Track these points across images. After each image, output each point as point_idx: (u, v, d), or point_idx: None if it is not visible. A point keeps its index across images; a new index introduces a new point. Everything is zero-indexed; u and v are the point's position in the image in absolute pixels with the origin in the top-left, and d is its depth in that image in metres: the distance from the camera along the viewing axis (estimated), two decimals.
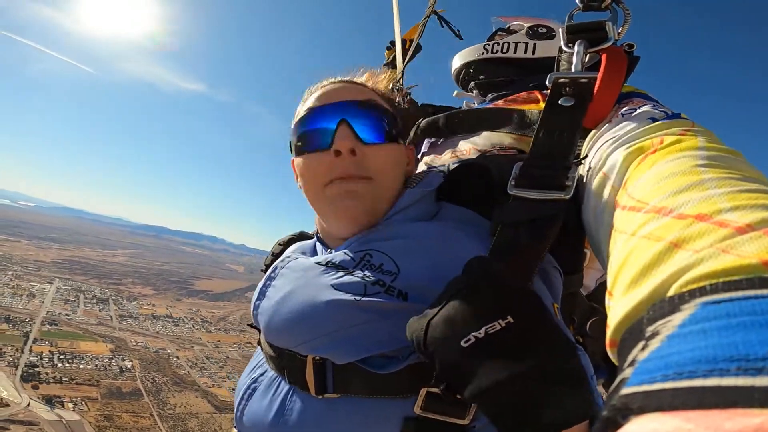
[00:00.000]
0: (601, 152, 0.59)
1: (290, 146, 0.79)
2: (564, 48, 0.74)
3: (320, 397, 0.62)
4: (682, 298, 0.28)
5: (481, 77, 1.15)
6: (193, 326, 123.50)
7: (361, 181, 0.71)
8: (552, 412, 0.41)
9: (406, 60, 1.41)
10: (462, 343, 0.44)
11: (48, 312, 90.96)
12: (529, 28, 1.11)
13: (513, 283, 0.49)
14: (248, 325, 0.83)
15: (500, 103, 0.98)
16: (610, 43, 0.71)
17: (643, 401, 0.22)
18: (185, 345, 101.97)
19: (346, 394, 0.61)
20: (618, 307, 0.34)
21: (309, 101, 0.76)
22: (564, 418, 0.41)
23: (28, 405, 51.97)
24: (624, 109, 0.63)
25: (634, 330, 0.30)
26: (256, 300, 0.75)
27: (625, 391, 0.24)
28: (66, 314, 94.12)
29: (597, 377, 0.94)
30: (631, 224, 0.40)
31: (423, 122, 1.03)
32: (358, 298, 0.60)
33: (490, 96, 1.12)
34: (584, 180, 0.62)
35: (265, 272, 0.84)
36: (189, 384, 77.44)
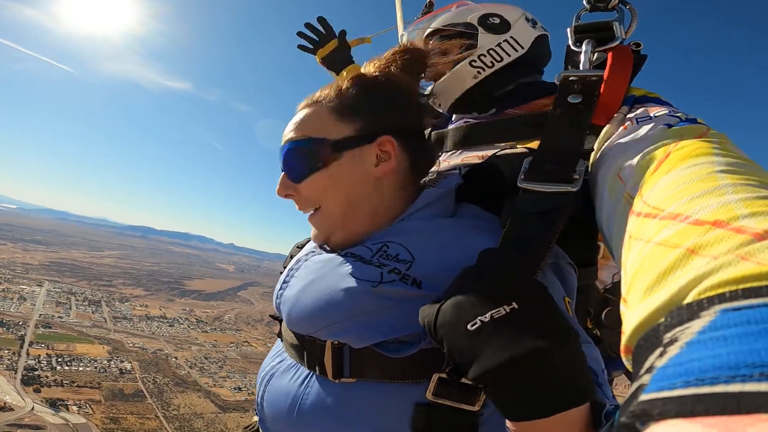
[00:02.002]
0: (615, 158, 0.59)
1: None
2: (572, 47, 0.76)
3: (337, 381, 0.64)
4: (701, 305, 0.28)
5: (491, 94, 1.04)
6: (189, 326, 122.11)
7: (311, 211, 0.77)
8: (550, 395, 0.43)
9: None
10: (469, 326, 0.47)
11: (41, 315, 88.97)
12: (482, 18, 1.03)
13: (519, 272, 0.51)
14: (270, 316, 0.86)
15: (516, 111, 0.98)
16: (617, 43, 0.72)
17: (664, 407, 0.22)
18: (182, 345, 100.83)
19: (361, 378, 0.64)
20: (633, 314, 0.34)
21: None
22: (562, 401, 0.43)
23: (32, 409, 50.86)
24: (638, 114, 0.63)
25: (651, 337, 0.30)
26: (279, 290, 0.78)
27: (644, 397, 0.24)
28: (59, 317, 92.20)
29: (616, 368, 0.94)
30: (647, 231, 0.40)
31: (433, 135, 1.06)
32: (374, 285, 0.63)
33: (491, 111, 1.04)
34: (596, 181, 0.62)
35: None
36: (190, 384, 76.64)
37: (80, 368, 68.16)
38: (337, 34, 1.50)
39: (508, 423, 0.50)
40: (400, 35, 1.38)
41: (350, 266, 0.67)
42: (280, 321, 0.81)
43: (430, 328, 0.52)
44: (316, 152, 0.73)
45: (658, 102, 0.66)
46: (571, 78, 0.67)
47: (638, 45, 0.74)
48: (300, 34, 1.51)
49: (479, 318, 0.47)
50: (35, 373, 61.47)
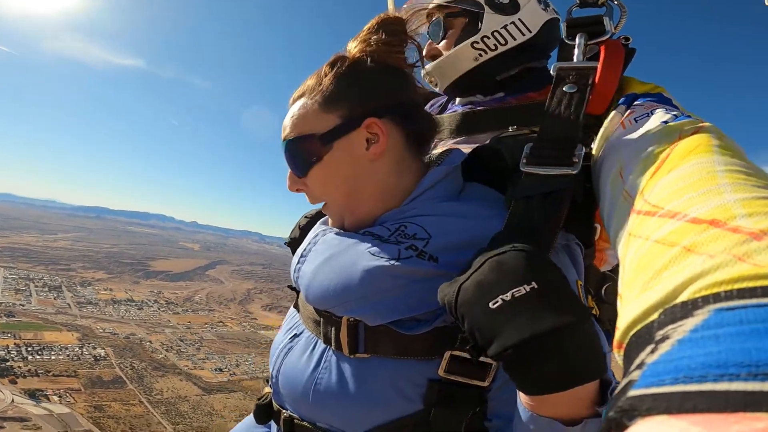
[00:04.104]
0: (615, 155, 0.61)
1: None
2: (565, 41, 0.79)
3: (352, 356, 0.66)
4: (695, 304, 0.28)
5: (493, 77, 1.01)
6: (159, 309, 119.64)
7: (322, 202, 0.80)
8: (567, 370, 0.46)
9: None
10: (490, 304, 0.49)
11: (1, 303, 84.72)
12: None
13: (537, 254, 0.53)
14: (288, 286, 0.87)
15: (514, 100, 0.97)
16: (607, 36, 0.76)
17: (651, 403, 0.23)
18: (155, 329, 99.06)
19: (375, 354, 0.66)
20: (628, 310, 0.34)
21: None
22: (578, 376, 0.46)
23: (12, 401, 49.43)
24: (637, 112, 0.65)
25: (643, 333, 0.30)
26: (297, 263, 0.79)
27: (633, 393, 0.24)
28: (21, 304, 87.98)
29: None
30: (646, 228, 0.41)
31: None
32: (392, 262, 0.64)
33: (498, 95, 1.01)
34: (599, 177, 0.64)
35: (290, 245, 0.96)
36: (170, 368, 76.11)
37: (52, 357, 66.06)
38: None
39: (522, 397, 0.53)
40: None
41: (368, 244, 0.68)
42: (297, 292, 0.82)
43: (450, 306, 0.53)
44: (308, 148, 0.74)
45: (659, 98, 0.67)
46: (566, 69, 0.71)
47: (627, 39, 0.77)
48: None
49: (501, 297, 0.48)
50: (7, 364, 59.22)
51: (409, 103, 0.80)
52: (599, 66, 0.70)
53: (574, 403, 0.50)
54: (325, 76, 0.76)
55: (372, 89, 0.76)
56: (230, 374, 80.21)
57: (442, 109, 1.14)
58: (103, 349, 75.45)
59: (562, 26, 0.80)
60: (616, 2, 0.78)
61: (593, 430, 0.50)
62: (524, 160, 0.67)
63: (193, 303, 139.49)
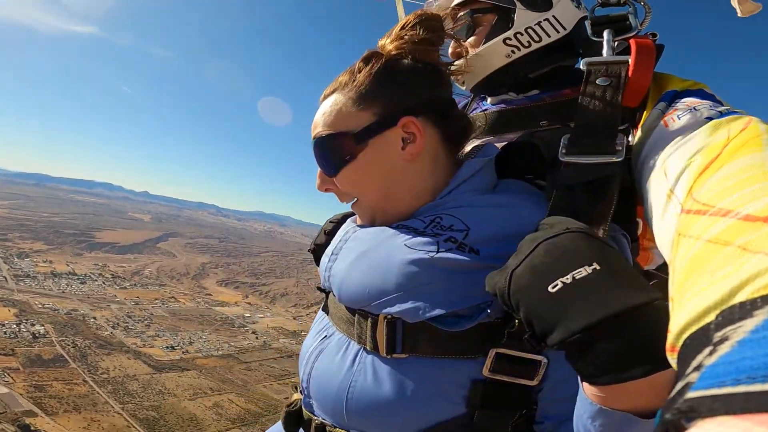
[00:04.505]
0: (658, 154, 0.60)
1: None
2: (591, 37, 0.80)
3: (389, 356, 0.63)
4: (754, 304, 0.27)
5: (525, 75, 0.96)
6: (104, 283, 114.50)
7: (352, 201, 0.79)
8: (647, 354, 0.41)
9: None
10: (549, 288, 0.46)
11: None
12: None
13: (592, 235, 0.50)
14: (317, 288, 0.84)
15: (549, 98, 0.94)
16: (634, 33, 0.77)
17: (712, 404, 0.22)
18: (100, 304, 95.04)
19: (414, 354, 0.62)
20: (681, 313, 0.33)
21: None
22: (652, 366, 0.41)
23: None
24: (679, 109, 0.63)
25: (699, 335, 0.30)
26: (328, 262, 0.77)
27: (691, 394, 0.24)
28: None
29: None
30: (696, 228, 0.39)
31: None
32: (431, 254, 0.61)
33: (532, 92, 0.97)
34: (641, 175, 0.63)
35: (314, 251, 0.96)
36: (116, 346, 73.69)
37: None
38: None
39: (589, 390, 0.48)
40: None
41: (404, 237, 0.66)
42: (326, 293, 0.80)
43: (503, 294, 0.51)
44: (342, 146, 0.72)
45: (701, 94, 0.66)
46: (596, 63, 0.72)
47: (654, 35, 0.77)
48: None
49: (560, 280, 0.46)
50: None
51: (445, 101, 0.79)
52: (632, 59, 0.70)
53: (655, 391, 0.43)
54: (359, 72, 0.74)
55: (408, 87, 0.74)
56: (183, 352, 78.85)
57: (464, 109, 1.11)
58: (43, 326, 71.71)
59: (587, 24, 0.82)
60: (642, 2, 0.79)
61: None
62: (563, 150, 0.67)
63: (142, 277, 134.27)
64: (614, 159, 0.63)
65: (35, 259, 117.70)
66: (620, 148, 0.63)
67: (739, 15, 0.96)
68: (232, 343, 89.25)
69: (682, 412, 0.23)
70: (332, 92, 0.76)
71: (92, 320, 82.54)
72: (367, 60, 0.75)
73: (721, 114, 0.57)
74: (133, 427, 51.01)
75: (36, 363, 59.48)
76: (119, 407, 54.61)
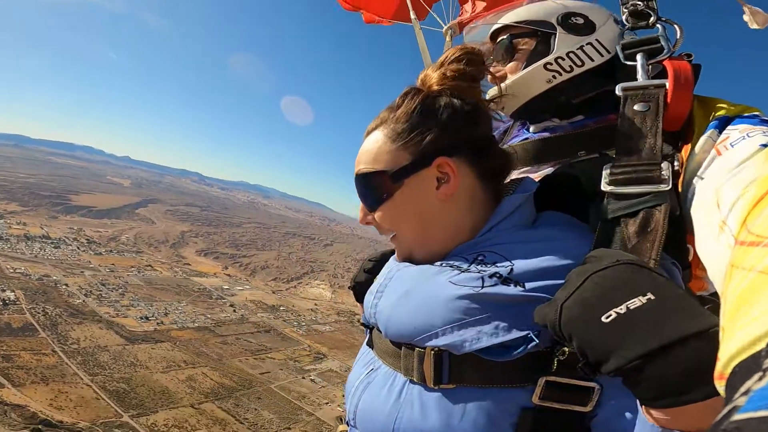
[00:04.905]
0: (710, 184, 0.60)
1: None
2: (623, 62, 0.80)
3: (436, 387, 0.65)
4: None
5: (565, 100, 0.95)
6: (79, 248, 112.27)
7: (390, 235, 0.82)
8: (698, 382, 0.42)
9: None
10: (603, 319, 0.47)
11: None
12: (564, 17, 0.94)
13: (643, 266, 0.51)
14: (359, 323, 0.87)
15: (592, 124, 0.92)
16: (666, 54, 0.76)
17: (759, 426, 0.22)
18: (73, 270, 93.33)
19: (461, 384, 0.63)
20: (732, 341, 0.33)
21: None
22: (712, 389, 0.39)
23: None
24: (732, 137, 0.63)
25: (749, 363, 0.30)
26: (374, 299, 0.79)
27: (738, 416, 0.24)
28: None
29: None
30: (749, 259, 0.39)
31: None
32: (477, 290, 0.63)
33: (564, 121, 0.96)
34: (691, 204, 0.63)
35: (354, 288, 1.03)
36: (88, 315, 72.83)
37: None
38: None
39: (653, 414, 0.49)
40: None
41: (449, 274, 0.68)
42: (370, 329, 0.82)
43: (554, 326, 0.52)
44: (380, 184, 0.75)
45: (753, 120, 0.65)
46: (631, 88, 0.71)
47: (689, 56, 0.76)
48: None
49: (614, 310, 0.47)
50: None
51: (483, 138, 0.79)
52: (669, 84, 0.69)
53: (715, 414, 0.40)
54: (398, 108, 0.76)
55: (445, 127, 0.75)
56: (157, 323, 78.51)
57: (504, 134, 1.11)
58: (13, 291, 70.25)
59: (618, 48, 0.81)
60: (669, 22, 0.78)
61: None
62: (606, 180, 0.66)
63: (118, 243, 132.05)
64: (662, 188, 0.62)
65: (8, 221, 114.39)
66: (666, 176, 0.62)
67: (752, 27, 0.94)
68: (209, 316, 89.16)
69: None
70: (374, 128, 0.79)
71: (64, 287, 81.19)
72: (405, 96, 0.77)
73: None
74: (102, 399, 51.00)
75: (4, 332, 58.54)
76: (88, 379, 54.50)
